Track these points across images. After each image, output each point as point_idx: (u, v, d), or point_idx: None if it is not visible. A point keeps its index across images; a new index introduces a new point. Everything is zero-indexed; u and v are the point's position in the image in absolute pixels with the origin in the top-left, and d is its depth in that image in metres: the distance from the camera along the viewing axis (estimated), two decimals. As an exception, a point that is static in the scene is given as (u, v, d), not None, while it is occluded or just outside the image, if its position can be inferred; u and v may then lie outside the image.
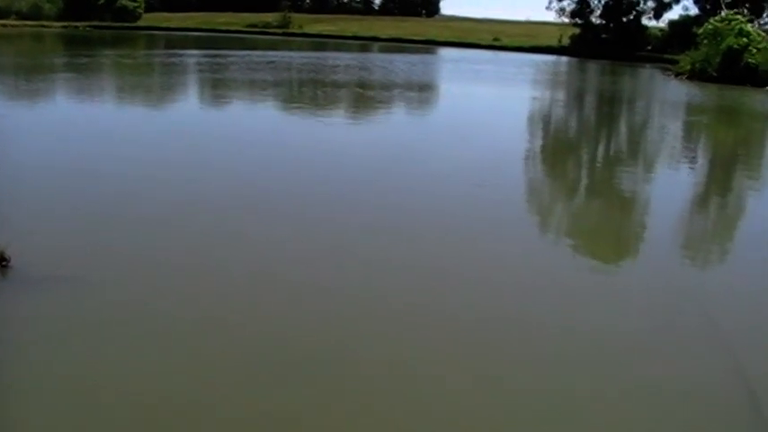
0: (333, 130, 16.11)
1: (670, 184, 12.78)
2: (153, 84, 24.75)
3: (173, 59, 35.52)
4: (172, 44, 50.27)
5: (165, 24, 74.73)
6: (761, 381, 5.03)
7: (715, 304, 6.52)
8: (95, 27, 66.29)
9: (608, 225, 9.72)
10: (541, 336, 5.79)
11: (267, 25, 78.56)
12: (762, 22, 52.41)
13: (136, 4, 77.49)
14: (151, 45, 49.44)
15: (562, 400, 4.81)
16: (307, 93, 24.68)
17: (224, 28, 75.32)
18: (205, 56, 38.55)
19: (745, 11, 43.71)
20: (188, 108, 19.20)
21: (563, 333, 5.82)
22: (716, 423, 4.69)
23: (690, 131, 20.62)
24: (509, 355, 5.46)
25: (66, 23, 65.05)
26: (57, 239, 7.37)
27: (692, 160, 15.77)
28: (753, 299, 6.71)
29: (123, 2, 75.43)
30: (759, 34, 38.73)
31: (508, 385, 5.01)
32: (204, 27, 75.31)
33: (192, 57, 37.96)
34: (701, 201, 11.55)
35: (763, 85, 33.92)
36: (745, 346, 5.62)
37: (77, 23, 65.76)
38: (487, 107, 23.54)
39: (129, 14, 75.22)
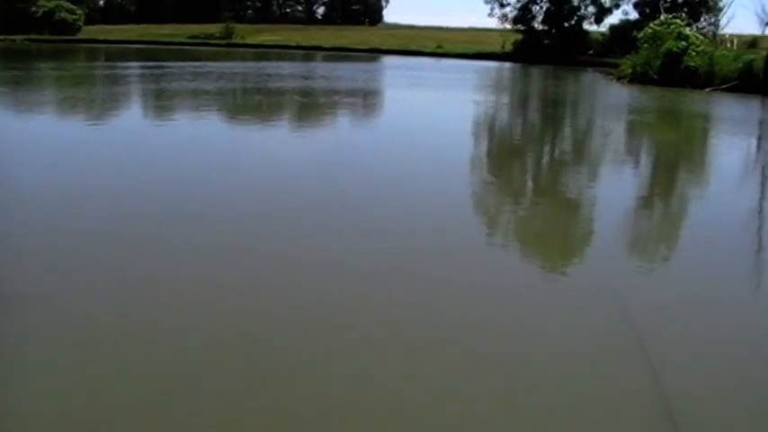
0: (273, 138, 15.69)
1: (614, 183, 12.57)
2: (86, 95, 23.92)
3: (112, 71, 34.77)
4: (112, 57, 49.32)
5: (105, 37, 73.49)
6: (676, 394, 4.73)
7: (646, 312, 6.21)
8: (33, 40, 65.06)
9: (550, 227, 9.43)
10: (473, 336, 5.50)
11: (210, 36, 77.93)
12: (700, 25, 53.36)
13: (75, 17, 76.28)
14: (91, 58, 48.42)
15: (479, 400, 4.58)
16: (247, 102, 24.18)
17: (166, 40, 74.35)
18: (145, 67, 37.76)
19: (684, 15, 44.32)
20: (122, 119, 18.59)
21: (494, 334, 5.56)
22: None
23: (633, 132, 20.63)
24: (441, 355, 5.17)
25: (2, 37, 63.62)
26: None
27: (636, 159, 15.71)
28: (685, 310, 6.39)
29: (62, 15, 74.23)
30: (697, 37, 39.26)
31: (438, 385, 4.76)
32: (146, 39, 74.24)
33: (132, 68, 37.17)
34: (645, 201, 11.34)
35: (703, 87, 34.30)
36: (666, 357, 5.30)
37: (14, 37, 64.46)
38: (431, 112, 23.23)
39: (68, 27, 74.00)
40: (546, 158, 15.25)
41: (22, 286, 6.19)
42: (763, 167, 15.55)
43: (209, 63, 42.93)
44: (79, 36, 73.76)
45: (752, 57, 35.82)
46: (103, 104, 21.00)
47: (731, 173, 14.28)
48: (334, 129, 18.12)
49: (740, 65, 35.18)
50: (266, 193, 10.15)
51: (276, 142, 15.19)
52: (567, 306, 6.29)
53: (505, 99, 29.93)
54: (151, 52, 55.41)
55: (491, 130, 19.83)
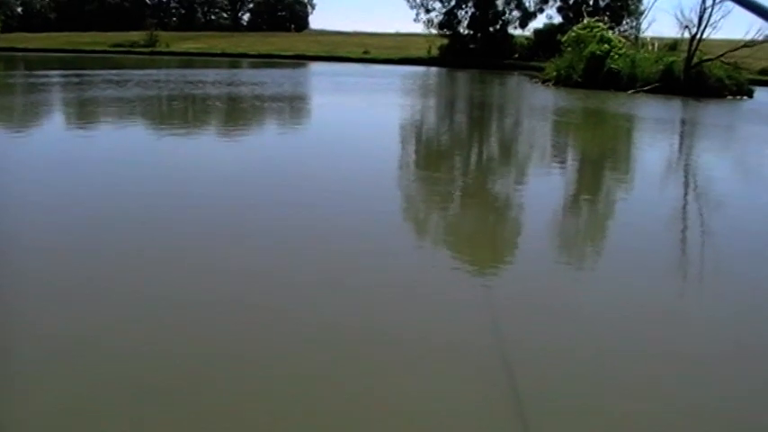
0: (197, 146, 15.19)
1: (541, 183, 12.43)
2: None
3: (29, 80, 33.56)
4: (32, 65, 47.71)
5: (24, 45, 71.55)
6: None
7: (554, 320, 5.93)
8: (-54, 50, 63.08)
9: (471, 228, 9.21)
10: (378, 341, 5.23)
11: (133, 44, 76.57)
12: (622, 29, 54.44)
13: (-9, 24, 74.26)
14: (9, 66, 46.80)
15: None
16: (166, 110, 23.51)
17: (88, 48, 72.70)
18: (65, 76, 36.60)
19: (606, 18, 45.03)
20: (35, 128, 17.88)
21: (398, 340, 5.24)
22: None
23: (558, 133, 20.68)
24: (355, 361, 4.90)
25: None
26: None
27: (562, 159, 15.66)
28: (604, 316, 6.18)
29: (-24, 22, 72.19)
30: (620, 40, 39.98)
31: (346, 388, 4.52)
32: (67, 47, 72.49)
33: (51, 77, 35.78)
34: (571, 201, 11.21)
35: (626, 89, 34.89)
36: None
37: (-74, 46, 62.40)
38: (358, 116, 22.99)
39: (-17, 36, 71.91)
40: (472, 160, 15.08)
41: None
42: (685, 164, 15.70)
43: (133, 71, 41.90)
44: (-3, 44, 71.74)
45: (672, 59, 36.63)
46: (17, 114, 20.25)
47: (655, 170, 14.33)
48: (254, 136, 17.64)
49: (661, 67, 35.97)
50: (166, 202, 9.76)
51: (180, 150, 14.64)
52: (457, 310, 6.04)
53: (432, 102, 29.86)
54: (73, 61, 53.94)
55: (417, 132, 19.61)
